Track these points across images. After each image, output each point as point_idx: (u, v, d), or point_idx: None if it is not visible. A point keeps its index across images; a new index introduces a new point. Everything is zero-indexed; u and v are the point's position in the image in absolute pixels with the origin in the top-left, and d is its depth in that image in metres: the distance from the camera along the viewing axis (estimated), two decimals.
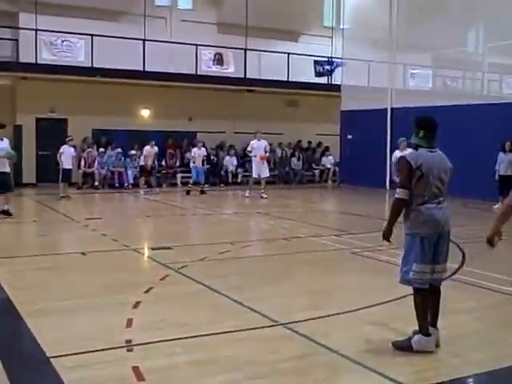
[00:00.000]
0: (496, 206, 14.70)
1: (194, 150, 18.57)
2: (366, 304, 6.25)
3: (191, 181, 18.50)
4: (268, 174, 17.82)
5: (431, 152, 4.90)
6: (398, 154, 13.57)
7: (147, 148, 18.97)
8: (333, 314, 5.93)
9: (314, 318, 5.77)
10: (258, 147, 17.29)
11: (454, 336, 5.35)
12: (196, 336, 5.20)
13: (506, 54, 23.79)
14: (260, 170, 17.38)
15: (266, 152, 17.51)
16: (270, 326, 5.55)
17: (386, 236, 5.03)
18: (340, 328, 5.59)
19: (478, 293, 6.84)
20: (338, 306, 6.22)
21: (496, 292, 6.85)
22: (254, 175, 17.57)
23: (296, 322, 5.61)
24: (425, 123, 5.00)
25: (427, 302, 4.96)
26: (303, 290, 7.06)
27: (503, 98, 21.59)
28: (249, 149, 17.63)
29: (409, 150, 8.89)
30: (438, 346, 4.98)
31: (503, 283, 7.15)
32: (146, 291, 6.63)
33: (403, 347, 4.92)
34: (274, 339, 5.25)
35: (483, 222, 12.75)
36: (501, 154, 15.04)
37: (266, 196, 17.12)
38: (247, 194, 17.53)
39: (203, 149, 18.87)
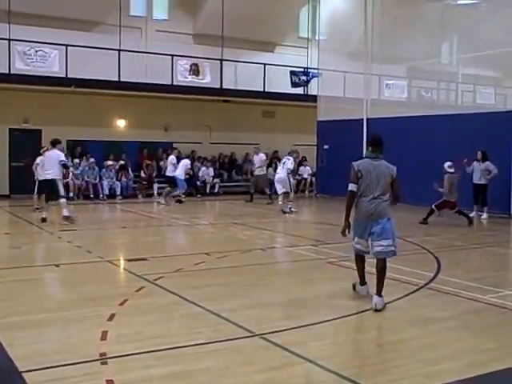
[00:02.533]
0: (472, 215, 14.90)
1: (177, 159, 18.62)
2: (342, 314, 6.25)
3: (183, 190, 18.53)
4: (283, 190, 16.61)
5: (374, 161, 6.55)
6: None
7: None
8: (309, 324, 5.92)
9: (290, 329, 5.76)
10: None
11: (430, 344, 5.38)
12: (171, 348, 5.15)
13: (478, 66, 24.20)
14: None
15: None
16: (246, 337, 5.51)
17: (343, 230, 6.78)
18: (316, 338, 5.58)
19: (453, 301, 6.88)
20: (315, 316, 6.22)
21: (470, 300, 6.90)
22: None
23: (272, 332, 5.59)
24: (371, 141, 6.76)
25: None
26: (280, 300, 7.04)
27: (477, 108, 21.93)
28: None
29: None
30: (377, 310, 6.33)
31: (477, 291, 7.22)
32: (121, 303, 6.56)
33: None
34: (250, 350, 5.22)
35: (457, 231, 12.94)
36: (474, 163, 15.25)
37: (293, 210, 16.56)
38: (290, 209, 16.53)
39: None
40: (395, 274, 8.06)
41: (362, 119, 20.61)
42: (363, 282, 6.99)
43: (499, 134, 15.82)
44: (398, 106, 22.09)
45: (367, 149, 6.75)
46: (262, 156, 18.36)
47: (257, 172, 18.99)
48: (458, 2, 24.07)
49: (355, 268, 7.04)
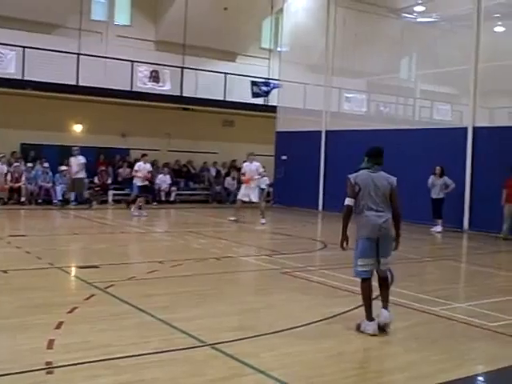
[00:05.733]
0: (433, 229, 15.16)
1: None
2: (295, 324, 6.22)
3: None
4: (253, 200, 16.20)
5: (372, 173, 6.15)
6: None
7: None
8: (262, 334, 5.87)
9: (242, 338, 5.70)
10: (249, 170, 16.22)
11: (380, 355, 5.40)
12: (121, 357, 5.03)
13: (436, 82, 24.71)
14: (248, 193, 16.15)
15: (259, 174, 16.40)
16: (197, 347, 5.43)
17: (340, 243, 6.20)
18: (269, 348, 5.53)
19: (405, 313, 6.93)
20: (267, 326, 6.17)
21: (422, 312, 6.97)
22: (242, 198, 16.30)
23: (224, 342, 5.53)
24: (369, 151, 6.35)
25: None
26: (232, 309, 6.98)
27: (434, 124, 22.36)
28: (242, 171, 16.70)
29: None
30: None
31: (429, 303, 7.30)
32: (70, 311, 6.39)
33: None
34: (200, 360, 5.14)
35: (409, 244, 13.09)
36: (432, 178, 15.50)
37: (263, 222, 16.10)
38: (232, 218, 16.34)
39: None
40: (349, 286, 8.11)
41: (321, 131, 20.79)
42: (372, 317, 6.09)
43: (454, 149, 16.16)
44: (357, 120, 22.38)
45: (364, 160, 6.35)
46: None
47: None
48: (418, 20, 24.59)
49: (361, 300, 6.25)
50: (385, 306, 6.16)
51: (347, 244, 6.19)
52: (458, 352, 5.64)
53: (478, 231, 15.32)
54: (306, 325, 6.26)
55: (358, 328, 6.06)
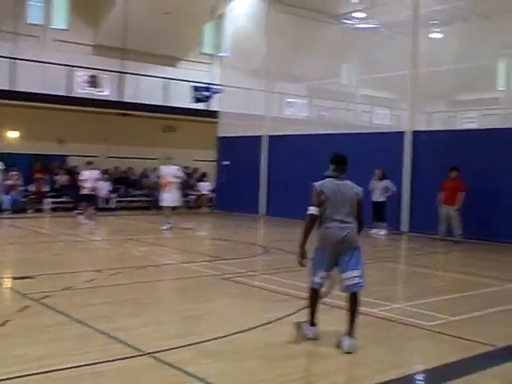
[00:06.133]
0: (374, 231, 15.34)
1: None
2: (235, 330, 6.17)
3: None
4: (170, 204, 15.73)
5: (339, 181, 5.83)
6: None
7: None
8: (202, 341, 5.80)
9: (182, 346, 5.61)
10: (167, 174, 15.67)
11: (319, 358, 5.40)
12: (57, 370, 4.87)
13: (376, 87, 25.21)
14: (162, 197, 15.82)
15: (177, 178, 15.67)
16: (135, 356, 5.31)
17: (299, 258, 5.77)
18: (209, 355, 5.46)
19: (344, 315, 6.94)
20: (208, 333, 6.09)
21: (361, 314, 6.99)
22: (162, 204, 15.89)
23: (164, 350, 5.43)
24: (334, 158, 5.98)
25: None
26: (173, 317, 6.88)
27: (373, 128, 22.80)
28: (159, 174, 16.10)
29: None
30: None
31: (368, 305, 7.35)
32: (2, 324, 6.15)
33: None
34: (139, 370, 5.03)
35: None
36: (373, 182, 15.72)
37: (165, 228, 15.54)
38: (165, 227, 15.65)
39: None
40: (290, 290, 8.12)
41: (263, 136, 20.85)
42: (314, 322, 5.96)
43: (393, 153, 16.47)
44: (299, 124, 22.58)
45: (328, 167, 5.96)
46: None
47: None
48: (358, 26, 25.03)
49: (308, 305, 6.03)
50: (348, 333, 5.64)
51: (305, 258, 5.74)
52: (395, 352, 5.71)
53: (417, 233, 15.64)
54: (246, 330, 6.22)
55: (298, 327, 5.93)
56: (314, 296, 5.94)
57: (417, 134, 16.42)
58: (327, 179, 5.88)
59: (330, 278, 5.85)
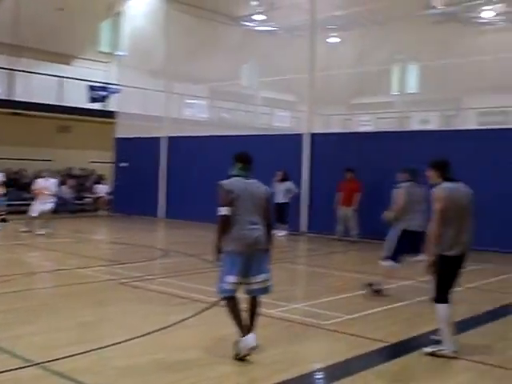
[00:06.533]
0: (280, 234, 15.37)
1: None
2: (132, 335, 6.00)
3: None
4: (35, 214, 14.95)
5: (246, 180, 5.62)
6: None
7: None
8: (98, 348, 5.58)
9: (76, 354, 5.37)
10: (42, 187, 15.02)
11: (215, 362, 5.32)
12: None
13: (276, 89, 25.58)
14: (37, 208, 15.00)
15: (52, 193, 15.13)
16: (23, 367, 5.02)
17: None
18: (102, 362, 5.25)
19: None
20: (104, 340, 5.87)
21: (259, 315, 7.00)
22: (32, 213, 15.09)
23: (55, 359, 5.18)
24: (240, 156, 5.76)
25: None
26: (67, 324, 6.55)
27: (274, 130, 23.07)
28: (34, 187, 15.33)
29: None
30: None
31: (267, 306, 7.34)
32: None
33: None
34: (26, 382, 4.74)
35: None
36: (275, 183, 15.78)
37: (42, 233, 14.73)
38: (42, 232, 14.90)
39: None
40: (188, 293, 8.02)
41: (163, 137, 20.55)
42: (246, 332, 5.46)
43: (293, 154, 16.70)
44: (199, 125, 22.47)
45: (234, 166, 5.73)
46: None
47: None
48: (258, 28, 25.28)
49: (231, 317, 5.55)
50: (251, 330, 5.53)
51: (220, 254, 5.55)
52: (293, 352, 5.73)
53: (316, 233, 15.91)
54: (143, 335, 6.05)
55: (237, 345, 5.42)
56: (233, 304, 5.52)
57: (315, 136, 16.74)
58: (234, 178, 5.63)
59: (241, 283, 5.52)
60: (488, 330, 6.88)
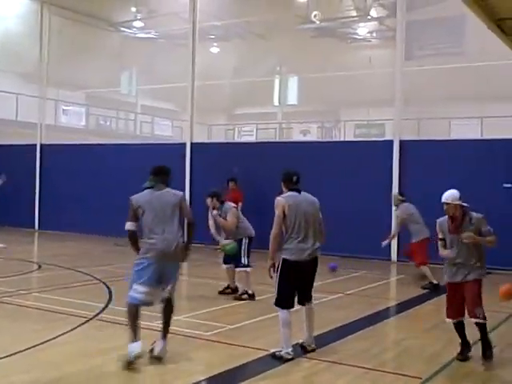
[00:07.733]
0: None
1: None
2: (3, 354, 5.63)
3: None
4: None
5: (155, 191, 5.77)
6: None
7: None
8: None
9: None
10: None
11: (93, 379, 5.10)
12: None
13: (157, 98, 25.28)
14: None
15: None
16: None
17: None
18: None
19: (123, 331, 6.67)
20: None
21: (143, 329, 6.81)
22: None
23: None
24: (152, 171, 5.95)
25: None
26: None
27: (155, 139, 22.79)
28: None
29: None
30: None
31: (147, 319, 7.17)
32: None
33: None
34: None
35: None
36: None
37: None
38: None
39: None
40: (64, 307, 7.68)
41: (36, 144, 19.63)
42: (137, 338, 5.55)
43: (175, 164, 16.39)
44: (77, 133, 21.72)
45: (150, 179, 6.01)
46: None
47: None
48: (137, 35, 24.90)
49: (126, 323, 5.68)
50: (163, 338, 5.77)
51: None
52: (175, 364, 5.63)
53: (201, 243, 15.73)
54: (15, 354, 5.70)
55: (127, 358, 5.41)
56: (134, 312, 5.58)
57: (196, 146, 16.69)
58: (145, 191, 5.88)
59: (153, 293, 5.63)
60: (365, 334, 7.12)
